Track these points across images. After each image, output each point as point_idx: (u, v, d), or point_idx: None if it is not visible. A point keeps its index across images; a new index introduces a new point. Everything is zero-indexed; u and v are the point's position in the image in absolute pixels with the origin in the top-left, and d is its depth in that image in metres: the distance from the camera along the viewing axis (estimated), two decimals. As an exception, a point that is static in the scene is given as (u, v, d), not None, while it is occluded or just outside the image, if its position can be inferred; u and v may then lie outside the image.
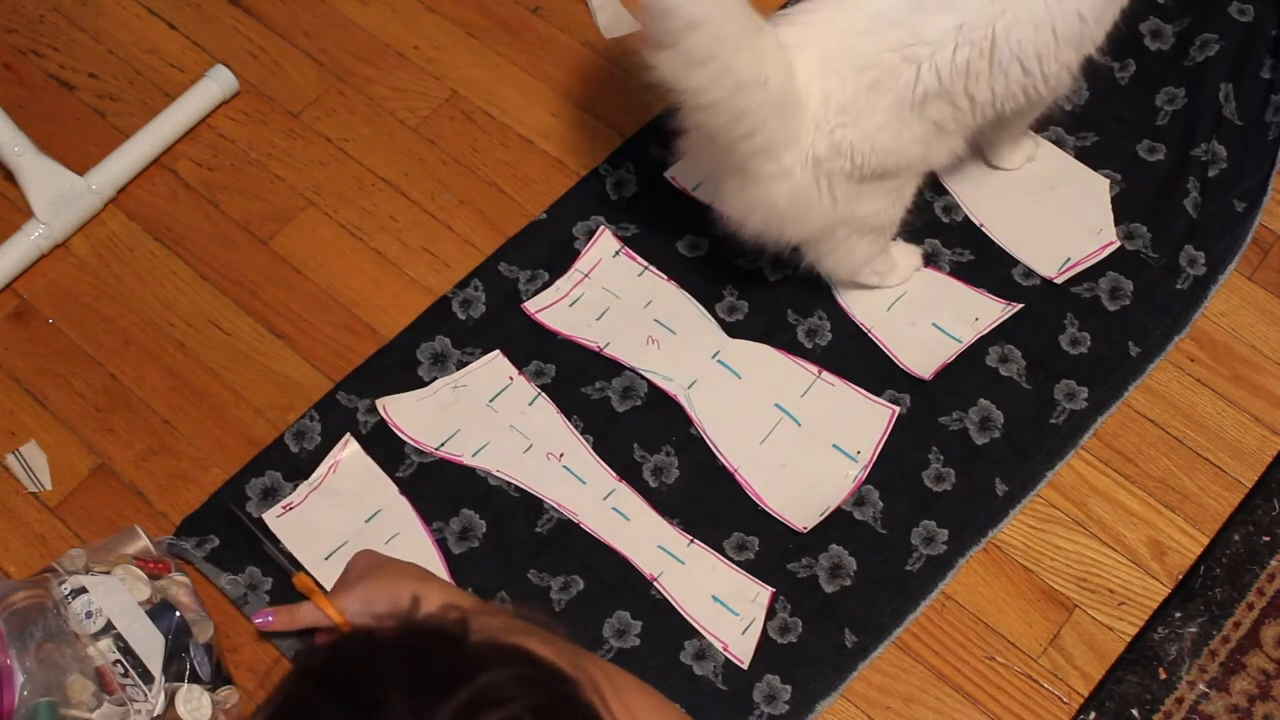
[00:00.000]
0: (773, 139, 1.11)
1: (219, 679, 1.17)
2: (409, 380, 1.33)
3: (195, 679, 1.13)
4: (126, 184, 1.46)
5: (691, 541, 1.25)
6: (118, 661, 1.09)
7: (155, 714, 1.10)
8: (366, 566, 1.11)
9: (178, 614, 1.14)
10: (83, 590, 1.11)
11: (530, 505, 1.27)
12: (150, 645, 1.11)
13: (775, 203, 1.16)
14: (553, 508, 1.26)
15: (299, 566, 1.22)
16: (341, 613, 1.08)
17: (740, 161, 1.13)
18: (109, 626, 1.10)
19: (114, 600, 1.11)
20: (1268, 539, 1.25)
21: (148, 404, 1.34)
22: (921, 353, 1.33)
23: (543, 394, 1.32)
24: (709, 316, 1.36)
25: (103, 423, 1.33)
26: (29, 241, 1.40)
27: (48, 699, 1.04)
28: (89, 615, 1.10)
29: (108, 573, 1.14)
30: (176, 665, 1.12)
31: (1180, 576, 1.24)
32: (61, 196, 1.41)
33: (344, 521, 1.26)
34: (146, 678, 1.10)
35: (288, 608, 1.14)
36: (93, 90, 1.54)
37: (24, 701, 1.04)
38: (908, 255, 1.36)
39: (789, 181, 1.14)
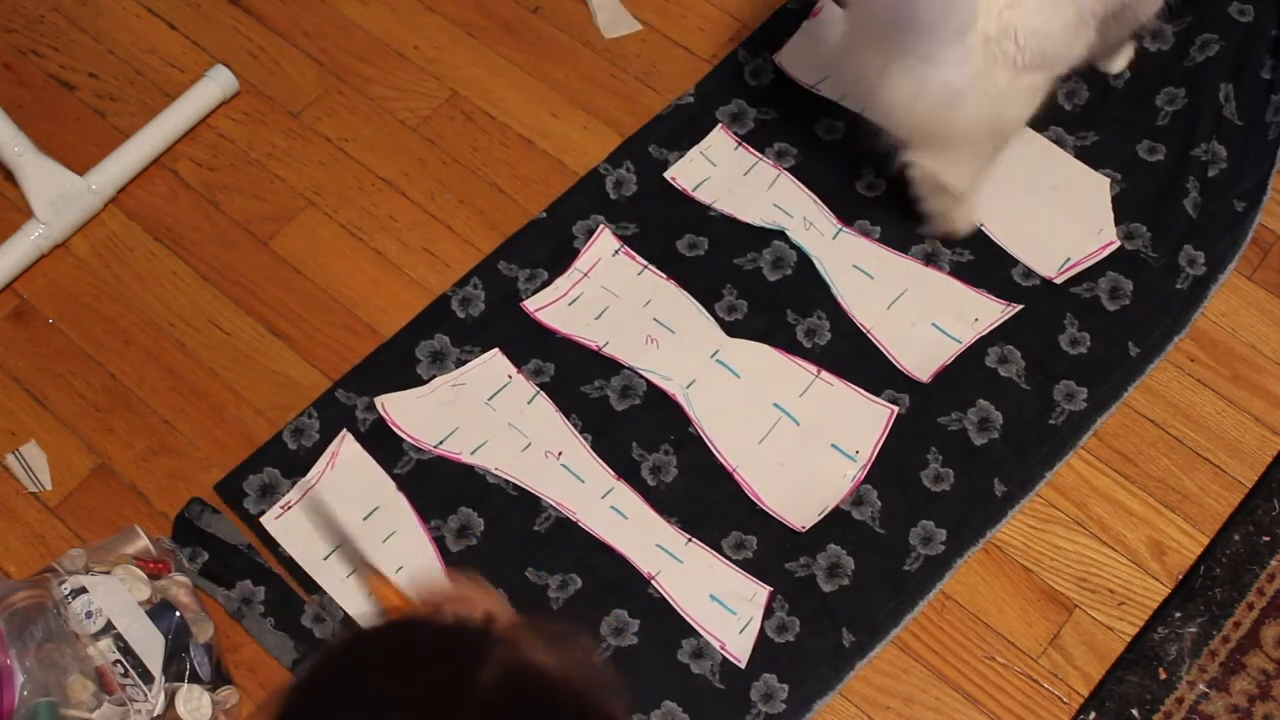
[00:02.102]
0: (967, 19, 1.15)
1: (219, 679, 1.17)
2: (407, 378, 1.33)
3: (195, 679, 1.13)
4: (126, 184, 1.46)
5: (690, 540, 1.25)
6: (118, 661, 1.09)
7: (155, 714, 1.10)
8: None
9: (178, 614, 1.14)
10: (83, 590, 1.11)
11: (528, 503, 1.27)
12: (150, 645, 1.11)
13: (952, 83, 1.17)
14: (551, 506, 1.27)
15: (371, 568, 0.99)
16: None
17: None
18: (109, 626, 1.10)
19: (114, 600, 1.11)
20: (1268, 539, 1.25)
21: (148, 404, 1.34)
22: (921, 353, 1.33)
23: (541, 392, 1.32)
24: (708, 316, 1.36)
25: (103, 423, 1.33)
26: (29, 241, 1.40)
27: (48, 699, 1.04)
28: (89, 615, 1.10)
29: (108, 573, 1.14)
30: (176, 665, 1.12)
31: (1180, 576, 1.24)
32: (61, 196, 1.41)
33: (341, 520, 1.26)
34: (146, 678, 1.10)
35: None
36: (93, 90, 1.54)
37: (24, 701, 1.04)
38: (973, 209, 1.37)
39: (968, 64, 1.16)
